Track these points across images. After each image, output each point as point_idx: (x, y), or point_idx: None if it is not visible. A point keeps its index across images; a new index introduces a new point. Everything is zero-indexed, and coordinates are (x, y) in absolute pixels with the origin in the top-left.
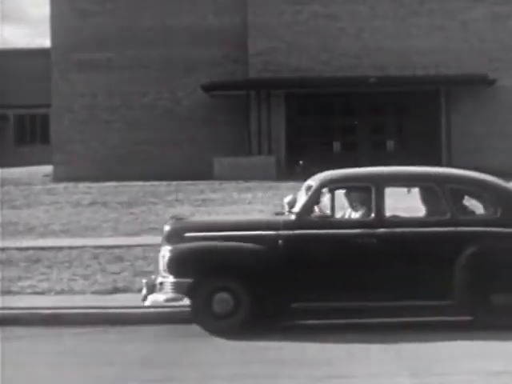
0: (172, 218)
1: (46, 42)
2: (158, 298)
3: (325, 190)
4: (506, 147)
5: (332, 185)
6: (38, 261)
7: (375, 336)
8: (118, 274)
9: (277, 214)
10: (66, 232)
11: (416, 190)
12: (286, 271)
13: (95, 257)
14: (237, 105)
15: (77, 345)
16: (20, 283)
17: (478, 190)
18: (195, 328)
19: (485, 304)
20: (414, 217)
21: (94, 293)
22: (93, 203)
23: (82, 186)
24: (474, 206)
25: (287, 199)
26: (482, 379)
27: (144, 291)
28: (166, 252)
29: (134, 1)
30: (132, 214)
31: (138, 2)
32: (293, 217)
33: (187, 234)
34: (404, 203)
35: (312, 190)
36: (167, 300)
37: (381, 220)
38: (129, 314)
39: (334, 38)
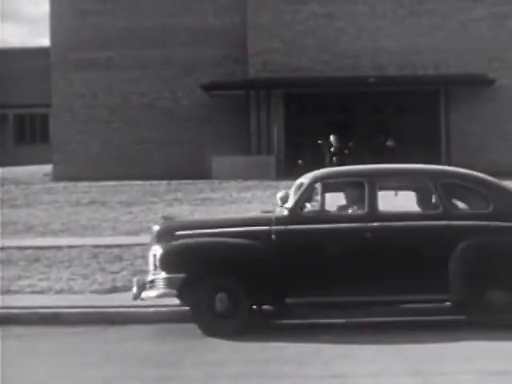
0: (162, 217)
1: (44, 41)
2: (150, 294)
3: (317, 185)
4: (506, 147)
5: (325, 180)
6: (37, 260)
7: (374, 335)
8: (118, 273)
9: (264, 211)
10: (65, 231)
11: (408, 186)
12: (280, 266)
13: (94, 256)
14: (236, 104)
15: (76, 344)
16: (19, 282)
17: (471, 184)
18: (194, 327)
19: (480, 298)
20: (407, 211)
21: (93, 292)
22: (92, 202)
23: (82, 185)
24: (467, 200)
25: (280, 194)
26: (483, 379)
27: (135, 289)
28: (157, 250)
29: (134, 1)
30: (131, 213)
31: (138, 1)
32: (286, 212)
33: (178, 232)
34: (397, 200)
35: (305, 185)
36: (159, 295)
37: (374, 214)
38: (128, 313)
39: (333, 37)
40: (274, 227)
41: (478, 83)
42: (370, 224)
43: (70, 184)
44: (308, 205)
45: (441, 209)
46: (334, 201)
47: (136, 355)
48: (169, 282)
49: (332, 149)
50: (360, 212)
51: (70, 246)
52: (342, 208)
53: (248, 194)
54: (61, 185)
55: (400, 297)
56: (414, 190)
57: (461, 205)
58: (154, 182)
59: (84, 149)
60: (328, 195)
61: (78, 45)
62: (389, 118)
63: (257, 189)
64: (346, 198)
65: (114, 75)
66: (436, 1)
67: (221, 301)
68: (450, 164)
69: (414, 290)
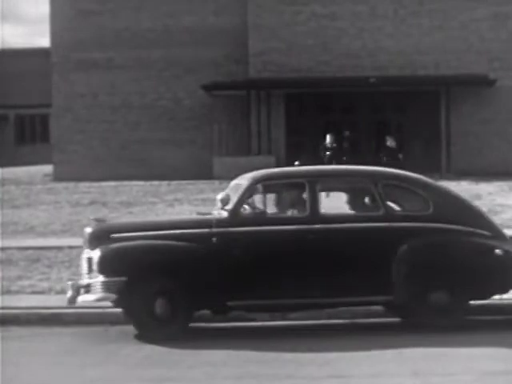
0: (93, 220)
1: (44, 42)
2: (87, 298)
3: (258, 186)
4: (506, 147)
5: (266, 182)
6: (37, 260)
7: (374, 336)
8: None
9: (201, 213)
10: (66, 231)
11: (349, 188)
12: (221, 269)
13: None
14: (237, 105)
15: (77, 344)
16: (20, 283)
17: (411, 186)
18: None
19: (422, 300)
20: (349, 213)
21: None
22: (93, 203)
23: (82, 185)
24: (408, 202)
25: (220, 196)
26: (483, 379)
27: (70, 293)
28: (91, 253)
29: (134, 1)
30: (132, 213)
31: (139, 2)
32: (226, 214)
33: (116, 235)
34: (340, 200)
35: (245, 186)
36: (98, 299)
37: (316, 216)
38: None
39: (333, 38)
40: (214, 229)
41: (479, 83)
42: (311, 226)
43: (71, 184)
44: (247, 206)
45: (382, 211)
46: (277, 200)
47: (137, 356)
48: (108, 286)
49: (328, 146)
50: (301, 214)
51: (71, 247)
52: (283, 210)
53: None
54: (61, 185)
55: (343, 299)
56: (355, 191)
57: (402, 207)
58: (155, 183)
59: (85, 149)
60: (270, 194)
61: (78, 45)
62: (389, 118)
63: None
64: (288, 199)
65: (114, 75)
66: (437, 1)
67: (161, 305)
68: (450, 164)
69: (357, 292)
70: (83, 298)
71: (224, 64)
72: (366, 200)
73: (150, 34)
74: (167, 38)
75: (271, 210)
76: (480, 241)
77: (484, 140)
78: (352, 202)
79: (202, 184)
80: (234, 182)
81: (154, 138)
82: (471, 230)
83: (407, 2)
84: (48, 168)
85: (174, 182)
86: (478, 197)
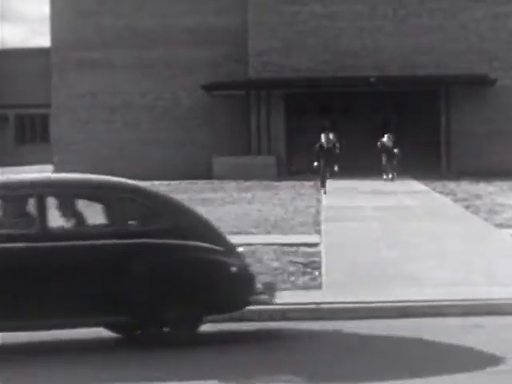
0: None
1: (44, 41)
2: None
3: None
4: (506, 147)
5: None
6: None
7: (375, 337)
8: None
9: None
10: None
11: (82, 200)
12: None
13: None
14: (237, 105)
15: (76, 343)
16: None
17: (146, 200)
18: None
19: (155, 318)
20: (82, 229)
21: None
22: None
23: None
24: (144, 217)
25: None
26: (489, 378)
27: None
28: None
29: (134, 1)
30: None
31: (139, 1)
32: None
33: None
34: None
35: None
36: None
37: (44, 232)
38: None
39: (333, 37)
40: None
41: (479, 83)
42: (39, 244)
43: None
44: None
45: (117, 226)
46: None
47: (137, 355)
48: None
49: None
50: (29, 230)
51: None
52: (9, 225)
53: (248, 195)
54: None
55: (74, 320)
56: (88, 203)
57: (138, 222)
58: (155, 183)
59: (84, 149)
60: None
61: (78, 45)
62: (389, 117)
63: (257, 189)
64: (14, 213)
65: (114, 75)
66: (436, 1)
67: None
68: (450, 164)
69: (90, 312)
70: None
71: (224, 64)
72: (101, 214)
73: (150, 33)
74: (167, 38)
75: None
76: (215, 257)
77: (484, 140)
78: (84, 216)
79: (201, 184)
80: None
81: (153, 137)
82: (207, 245)
83: (407, 1)
84: (48, 168)
85: (174, 182)
86: (478, 197)
